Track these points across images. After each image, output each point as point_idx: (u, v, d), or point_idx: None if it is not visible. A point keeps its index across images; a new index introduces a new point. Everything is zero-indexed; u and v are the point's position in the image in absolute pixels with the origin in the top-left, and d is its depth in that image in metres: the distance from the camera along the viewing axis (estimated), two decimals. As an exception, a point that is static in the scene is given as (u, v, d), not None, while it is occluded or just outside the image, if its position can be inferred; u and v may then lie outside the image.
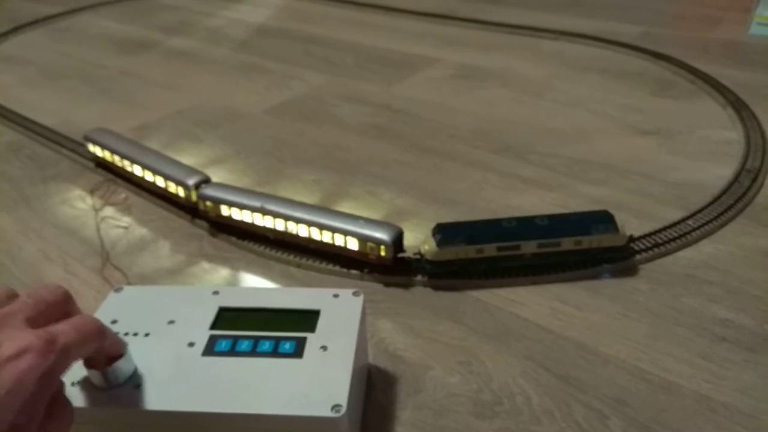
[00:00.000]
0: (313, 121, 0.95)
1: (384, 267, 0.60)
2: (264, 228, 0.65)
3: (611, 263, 0.60)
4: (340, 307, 0.44)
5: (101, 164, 0.81)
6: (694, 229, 0.65)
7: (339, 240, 0.61)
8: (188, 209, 0.71)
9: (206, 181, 0.69)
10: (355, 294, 0.45)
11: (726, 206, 0.68)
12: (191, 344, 0.41)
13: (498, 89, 1.04)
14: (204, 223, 0.69)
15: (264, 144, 0.89)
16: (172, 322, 0.43)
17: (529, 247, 0.59)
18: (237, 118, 0.97)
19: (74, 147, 0.88)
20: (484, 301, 0.57)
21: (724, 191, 0.71)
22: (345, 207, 0.72)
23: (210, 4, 1.63)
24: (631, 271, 0.60)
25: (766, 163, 0.76)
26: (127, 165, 0.76)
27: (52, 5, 1.64)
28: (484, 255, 0.59)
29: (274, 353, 0.40)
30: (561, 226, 0.59)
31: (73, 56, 1.29)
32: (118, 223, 0.71)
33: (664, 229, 0.64)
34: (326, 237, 0.61)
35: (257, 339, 0.41)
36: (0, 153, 0.90)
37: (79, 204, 0.75)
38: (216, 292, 0.46)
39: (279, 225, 0.64)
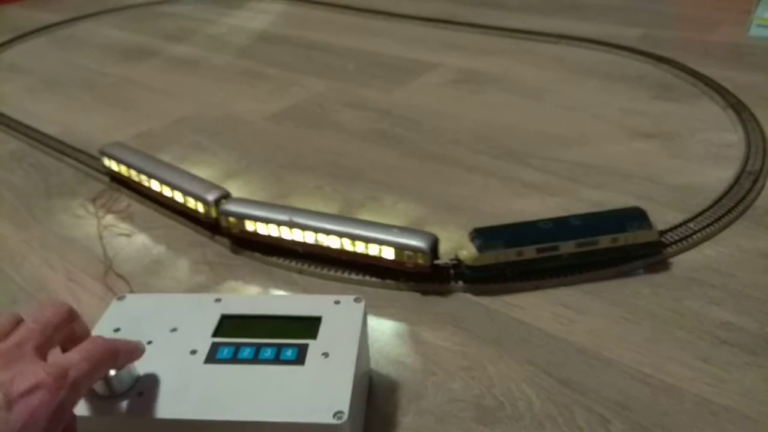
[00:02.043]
0: (314, 128, 0.96)
1: (421, 275, 0.59)
2: (292, 242, 0.63)
3: (644, 259, 0.61)
4: (341, 314, 0.44)
5: (116, 179, 0.80)
6: (695, 232, 0.65)
7: (373, 250, 0.60)
8: (207, 225, 0.69)
9: (226, 196, 0.67)
10: (356, 300, 0.46)
11: (727, 209, 0.68)
12: (193, 352, 0.41)
13: (498, 94, 1.04)
14: (207, 232, 0.69)
15: (265, 151, 0.89)
16: (174, 329, 0.44)
17: (567, 247, 0.59)
18: (238, 125, 0.98)
19: (77, 155, 0.88)
20: (486, 305, 0.57)
21: (725, 194, 0.71)
22: (347, 213, 0.72)
23: (211, 11, 1.64)
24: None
25: (767, 165, 0.76)
26: (144, 180, 0.74)
27: (55, 13, 1.65)
28: (524, 257, 0.59)
29: (276, 360, 0.41)
30: (597, 224, 0.60)
31: (76, 64, 1.30)
32: (120, 231, 0.72)
33: (666, 232, 0.64)
34: (359, 247, 0.60)
35: (259, 346, 0.41)
36: (3, 162, 0.90)
37: (81, 212, 0.76)
38: (218, 300, 0.46)
39: (309, 238, 0.62)
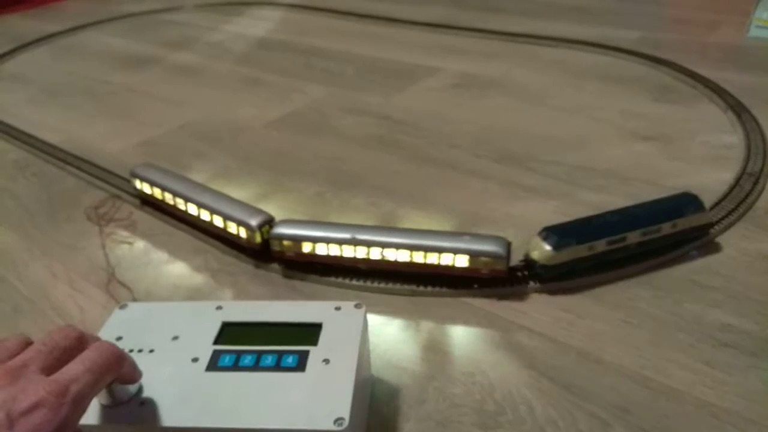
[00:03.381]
0: (314, 134, 0.96)
1: (495, 280, 0.59)
2: (354, 259, 0.61)
3: (695, 242, 0.63)
4: (342, 320, 0.45)
5: (147, 201, 0.77)
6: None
7: (446, 259, 0.59)
8: (250, 252, 0.66)
9: (270, 220, 0.64)
10: (356, 306, 0.46)
11: (727, 211, 0.68)
12: (195, 360, 0.42)
13: (498, 97, 1.04)
14: (208, 239, 0.70)
15: (266, 157, 0.89)
16: (176, 338, 0.44)
17: (634, 237, 0.60)
18: (239, 132, 0.98)
19: (79, 164, 0.89)
20: (487, 310, 0.57)
21: (726, 195, 0.71)
22: (347, 219, 0.73)
23: (211, 18, 1.65)
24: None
25: (767, 166, 0.76)
26: (179, 203, 0.71)
27: (56, 23, 1.66)
28: (595, 251, 0.59)
29: (277, 367, 0.41)
30: (657, 212, 0.61)
31: (77, 73, 1.31)
32: (122, 239, 0.72)
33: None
34: (431, 259, 0.59)
35: (260, 353, 0.42)
36: (6, 171, 0.91)
37: (84, 220, 0.76)
38: (219, 307, 0.46)
39: (374, 254, 0.60)
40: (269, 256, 0.65)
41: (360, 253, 0.61)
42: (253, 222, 0.63)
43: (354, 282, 0.62)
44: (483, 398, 0.48)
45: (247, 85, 1.18)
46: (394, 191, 0.78)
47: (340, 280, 0.62)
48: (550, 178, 0.78)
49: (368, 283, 0.61)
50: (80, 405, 0.32)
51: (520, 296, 0.59)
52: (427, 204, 0.75)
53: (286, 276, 0.64)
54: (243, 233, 0.65)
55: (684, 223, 0.61)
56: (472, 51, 1.27)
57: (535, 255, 0.59)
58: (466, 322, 0.56)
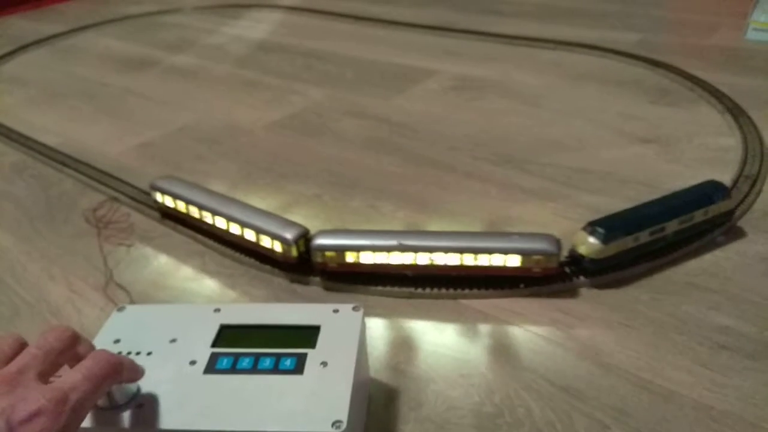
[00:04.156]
0: (313, 136, 0.96)
1: (546, 278, 0.59)
2: (401, 266, 0.60)
3: (720, 227, 0.65)
4: (340, 323, 0.45)
5: (168, 215, 0.74)
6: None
7: (497, 260, 0.58)
8: (285, 266, 0.64)
9: (305, 233, 0.62)
10: (354, 309, 0.46)
11: (725, 213, 0.68)
12: (193, 362, 0.42)
13: (497, 100, 1.04)
14: (205, 240, 0.70)
15: (265, 159, 0.89)
16: (173, 340, 0.44)
17: (672, 226, 0.61)
18: (238, 134, 0.98)
19: (77, 166, 0.89)
20: (485, 312, 0.57)
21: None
22: (347, 221, 0.73)
23: (211, 21, 1.65)
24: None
25: (765, 168, 0.77)
26: (206, 216, 0.68)
27: (55, 25, 1.66)
28: (639, 242, 0.60)
29: (275, 370, 0.41)
30: (690, 200, 0.63)
31: (76, 75, 1.31)
32: (120, 241, 0.72)
33: (664, 237, 0.65)
34: (482, 260, 0.58)
35: (258, 356, 0.42)
36: (4, 173, 0.91)
37: (82, 223, 0.76)
38: (217, 310, 0.46)
39: (421, 259, 0.59)
40: (304, 268, 0.63)
41: (407, 259, 0.60)
42: (289, 235, 0.61)
43: (353, 285, 0.62)
44: (481, 401, 0.48)
45: (246, 87, 1.18)
46: (392, 193, 0.78)
47: (339, 283, 0.62)
48: (548, 181, 0.78)
49: (367, 286, 0.61)
50: (79, 413, 0.32)
51: (519, 298, 0.59)
52: (425, 206, 0.75)
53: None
54: (278, 247, 0.62)
55: (714, 210, 0.63)
56: (470, 53, 1.27)
57: (583, 250, 0.59)
58: (464, 324, 0.56)
